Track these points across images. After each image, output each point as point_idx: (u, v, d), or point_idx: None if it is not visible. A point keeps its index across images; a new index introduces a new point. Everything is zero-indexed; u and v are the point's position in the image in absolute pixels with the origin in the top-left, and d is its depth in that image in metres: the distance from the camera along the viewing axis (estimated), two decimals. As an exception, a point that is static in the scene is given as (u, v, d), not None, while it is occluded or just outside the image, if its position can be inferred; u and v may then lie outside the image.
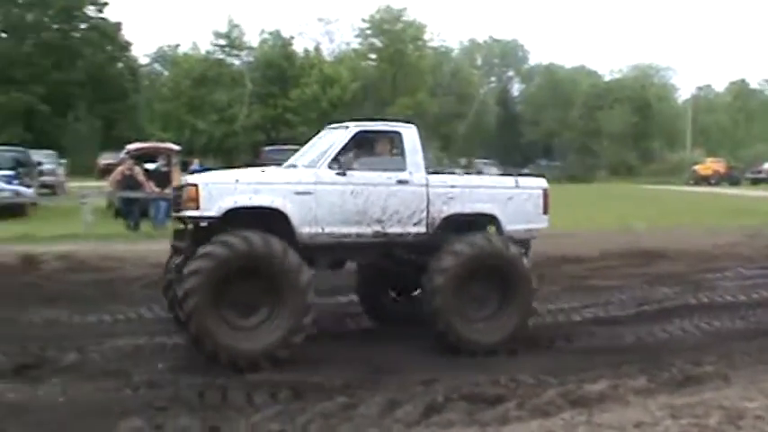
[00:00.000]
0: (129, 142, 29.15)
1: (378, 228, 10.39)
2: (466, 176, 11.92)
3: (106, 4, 63.68)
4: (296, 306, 9.56)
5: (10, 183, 22.93)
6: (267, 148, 33.63)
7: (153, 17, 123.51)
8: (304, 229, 10.05)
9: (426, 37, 75.57)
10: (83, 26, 63.68)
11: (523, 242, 11.01)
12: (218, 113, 66.41)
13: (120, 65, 65.52)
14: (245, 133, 65.84)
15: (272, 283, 9.56)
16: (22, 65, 57.59)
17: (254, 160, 33.47)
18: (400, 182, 10.50)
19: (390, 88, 69.85)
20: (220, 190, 9.99)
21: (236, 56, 72.83)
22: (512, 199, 10.97)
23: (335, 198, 10.22)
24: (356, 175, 10.32)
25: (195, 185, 9.99)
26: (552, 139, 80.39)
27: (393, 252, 10.86)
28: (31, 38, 59.97)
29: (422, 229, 10.55)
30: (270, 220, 9.94)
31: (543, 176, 11.78)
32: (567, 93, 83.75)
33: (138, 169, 21.70)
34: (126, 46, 66.94)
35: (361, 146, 10.82)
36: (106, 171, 32.94)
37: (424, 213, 10.58)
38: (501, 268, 10.47)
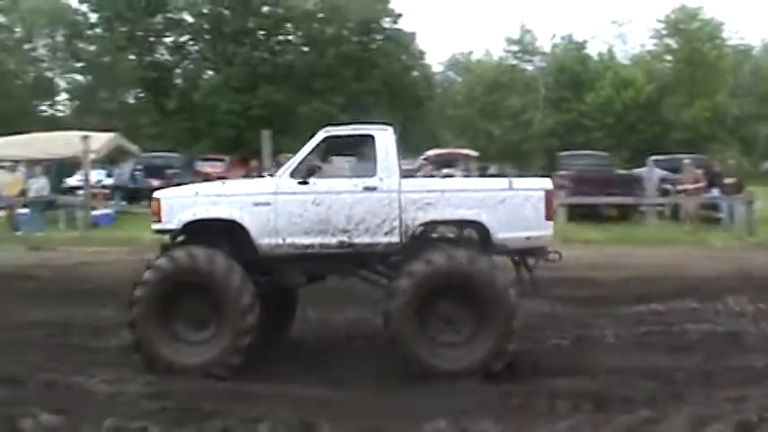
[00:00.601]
0: (429, 149, 29.78)
1: (343, 238, 9.68)
2: (450, 179, 10.75)
3: (401, 15, 65.87)
4: (235, 326, 9.33)
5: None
6: (563, 154, 33.29)
7: (446, 26, 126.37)
8: (263, 240, 9.73)
9: (724, 35, 71.87)
10: (379, 37, 66.22)
11: (530, 251, 9.79)
12: (511, 119, 66.81)
13: (414, 73, 67.55)
14: (539, 138, 65.73)
15: (216, 301, 9.41)
16: (323, 76, 60.87)
17: (551, 166, 33.32)
18: (367, 188, 9.69)
19: (687, 89, 66.91)
20: (181, 203, 10.02)
21: (529, 61, 72.86)
22: (504, 203, 9.59)
23: (295, 208, 9.73)
24: (319, 184, 9.75)
25: (158, 199, 10.13)
26: None
27: (367, 264, 9.98)
28: (331, 50, 63.29)
29: (394, 239, 9.63)
30: (231, 232, 9.79)
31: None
32: None
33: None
34: (420, 55, 68.87)
35: (331, 152, 10.40)
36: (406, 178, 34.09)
37: (396, 222, 9.63)
38: (468, 286, 9.23)
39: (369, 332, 11.15)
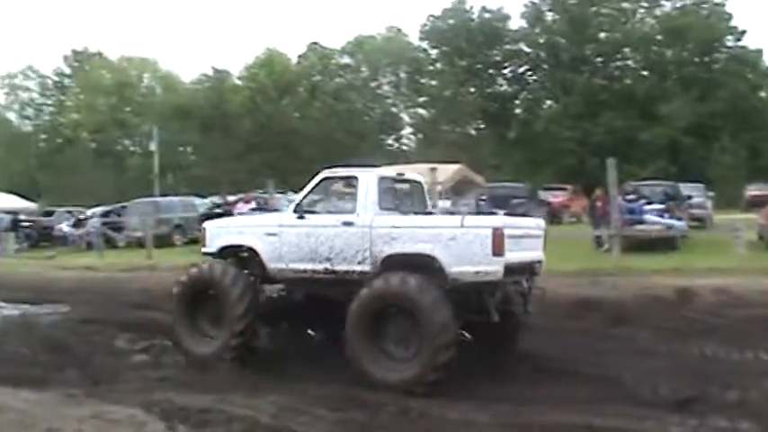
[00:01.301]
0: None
1: (327, 265, 11.10)
2: (416, 217, 11.43)
3: (744, 32, 62.53)
4: (231, 317, 11.56)
5: (662, 216, 23.43)
6: None
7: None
8: (272, 265, 11.63)
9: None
10: (722, 57, 63.17)
11: (481, 285, 10.28)
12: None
13: (762, 93, 63.61)
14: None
15: (219, 300, 11.77)
16: (664, 100, 58.96)
17: None
18: (345, 223, 11.02)
19: None
20: (218, 232, 12.53)
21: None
22: (455, 239, 10.22)
23: (294, 238, 11.41)
24: (312, 218, 11.35)
25: (205, 229, 12.85)
26: None
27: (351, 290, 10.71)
28: (672, 73, 61.24)
29: (366, 268, 10.76)
30: (252, 256, 11.87)
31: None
32: None
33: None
34: (768, 72, 64.87)
35: (325, 191, 11.73)
36: (754, 203, 31.99)
37: (368, 253, 10.78)
38: (403, 308, 10.18)
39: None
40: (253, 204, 35.22)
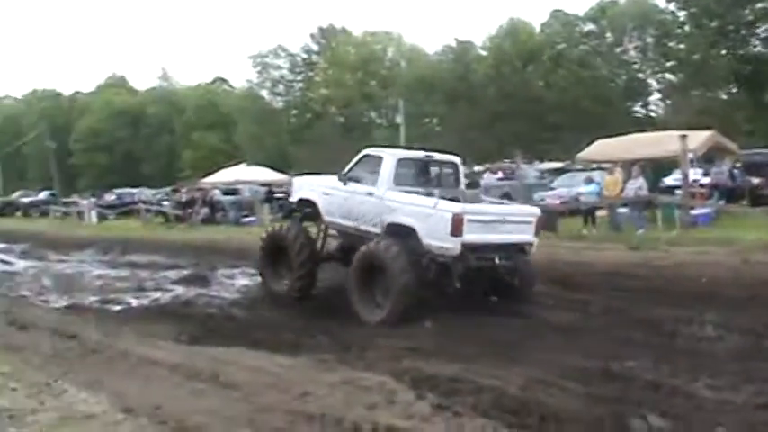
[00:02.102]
0: None
1: (355, 224, 14.46)
2: (412, 196, 13.58)
3: None
4: (294, 265, 15.49)
5: None
6: None
7: None
8: (325, 217, 15.42)
9: None
10: None
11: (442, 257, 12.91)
12: None
13: None
14: None
15: (287, 251, 15.78)
16: None
17: None
18: (368, 194, 14.21)
19: None
20: (299, 186, 16.50)
21: None
22: (429, 217, 12.90)
23: (338, 200, 14.92)
24: (350, 186, 14.61)
25: (292, 183, 16.96)
26: None
27: None
28: None
29: (378, 230, 13.88)
30: (315, 209, 15.58)
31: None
32: None
33: None
34: None
35: (363, 165, 14.68)
36: None
37: (378, 219, 13.91)
38: (379, 266, 13.15)
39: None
40: (500, 174, 35.40)
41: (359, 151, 15.26)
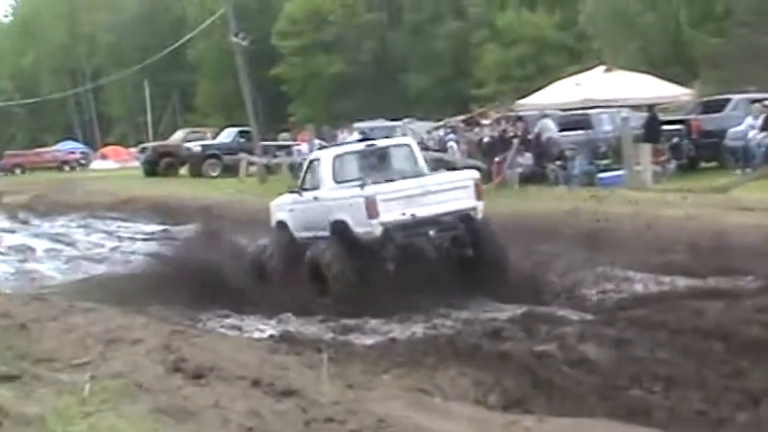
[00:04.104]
0: None
1: (315, 233, 13.56)
2: (346, 189, 13.20)
3: None
4: None
5: None
6: None
7: None
8: (295, 234, 14.20)
9: None
10: None
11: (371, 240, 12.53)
12: None
13: None
14: None
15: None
16: None
17: None
18: (315, 198, 13.72)
19: None
20: (273, 208, 15.22)
21: None
22: (352, 207, 12.68)
23: (299, 213, 14.19)
24: (305, 195, 14.08)
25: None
26: None
27: None
28: None
29: (327, 234, 13.27)
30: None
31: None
32: None
33: None
34: None
35: (311, 171, 14.24)
36: None
37: (325, 221, 13.27)
38: (316, 265, 12.96)
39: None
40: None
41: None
